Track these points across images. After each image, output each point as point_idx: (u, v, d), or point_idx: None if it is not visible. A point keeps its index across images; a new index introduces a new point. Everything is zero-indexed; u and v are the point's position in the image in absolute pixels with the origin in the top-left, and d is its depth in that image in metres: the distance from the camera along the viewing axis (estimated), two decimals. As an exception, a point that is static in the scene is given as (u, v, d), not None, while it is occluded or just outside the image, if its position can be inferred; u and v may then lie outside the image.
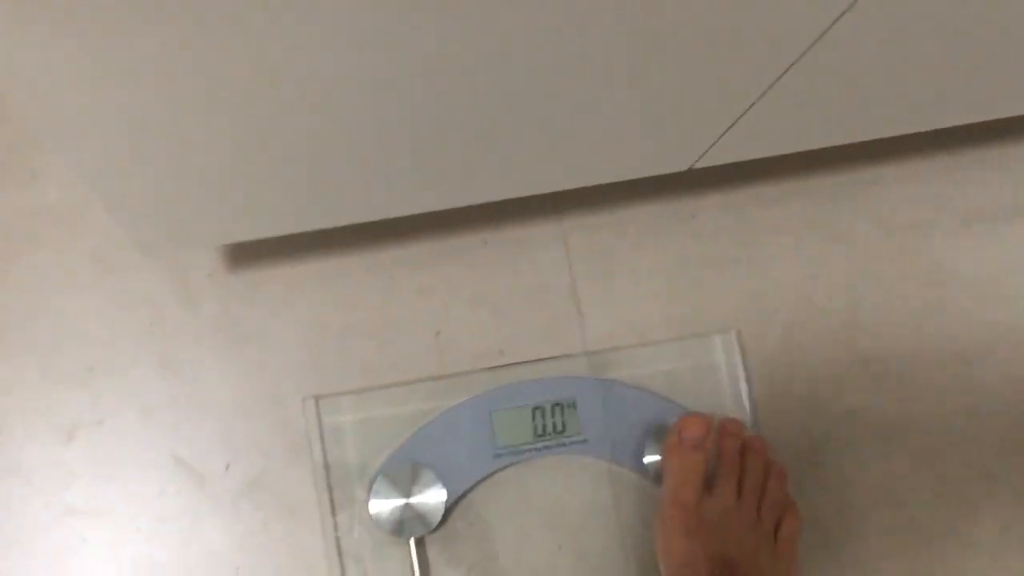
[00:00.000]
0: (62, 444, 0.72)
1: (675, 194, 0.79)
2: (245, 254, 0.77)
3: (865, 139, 0.66)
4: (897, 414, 0.77)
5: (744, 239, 0.78)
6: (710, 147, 0.60)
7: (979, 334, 0.78)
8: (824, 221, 0.79)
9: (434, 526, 0.71)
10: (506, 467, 0.74)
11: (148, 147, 0.49)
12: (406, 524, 0.71)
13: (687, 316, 0.77)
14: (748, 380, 0.76)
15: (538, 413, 0.73)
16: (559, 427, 0.73)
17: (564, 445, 0.73)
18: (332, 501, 0.72)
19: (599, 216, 0.78)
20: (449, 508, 0.72)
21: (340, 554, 0.72)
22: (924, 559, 0.76)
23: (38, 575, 0.71)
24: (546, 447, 0.73)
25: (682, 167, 0.64)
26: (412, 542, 0.71)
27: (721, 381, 0.76)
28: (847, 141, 0.65)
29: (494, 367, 0.75)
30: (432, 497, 0.71)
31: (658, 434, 0.73)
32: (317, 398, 0.73)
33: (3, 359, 0.73)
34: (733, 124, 0.57)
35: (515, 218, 0.77)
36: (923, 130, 0.66)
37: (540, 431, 0.73)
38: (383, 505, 0.71)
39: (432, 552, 0.73)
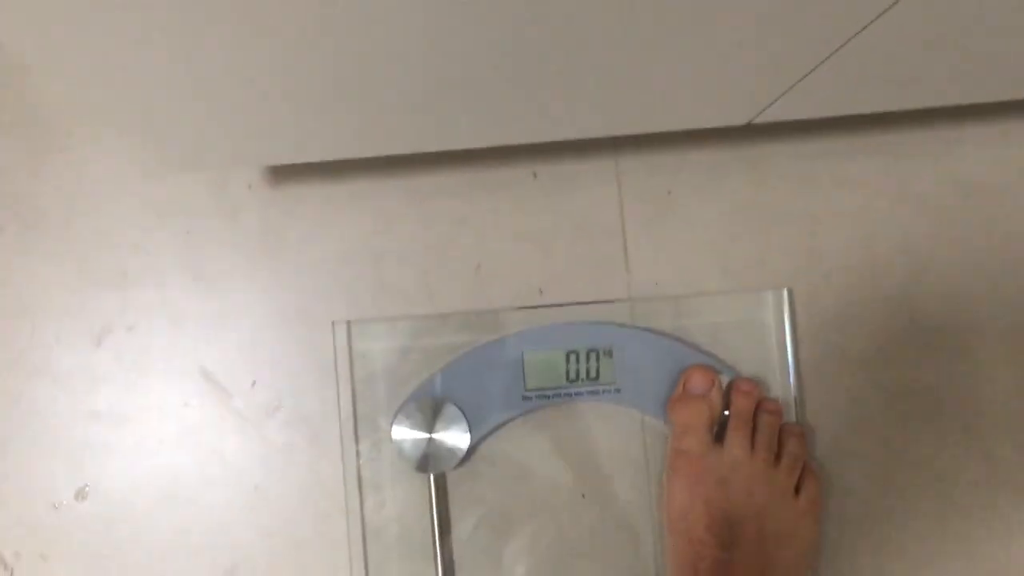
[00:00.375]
0: (91, 348, 0.72)
1: (740, 140, 0.74)
2: (286, 169, 0.74)
3: (942, 104, 0.61)
4: (950, 389, 0.73)
5: (808, 192, 0.74)
6: (771, 103, 0.56)
7: (1050, 313, 0.74)
8: (896, 179, 0.74)
9: (456, 464, 0.70)
10: (535, 410, 0.72)
11: (188, 71, 0.46)
12: (428, 459, 0.70)
13: (739, 268, 0.73)
14: (795, 340, 0.72)
15: (572, 358, 0.70)
16: (592, 374, 0.70)
17: (596, 393, 0.70)
18: (356, 428, 0.71)
19: (657, 156, 0.74)
20: (473, 447, 0.70)
21: (360, 481, 0.71)
22: (966, 543, 0.72)
23: (59, 475, 0.71)
24: (577, 393, 0.70)
25: (740, 121, 0.60)
26: (431, 477, 0.70)
27: (768, 339, 0.73)
28: (925, 105, 0.61)
29: (532, 307, 0.72)
30: (456, 434, 0.70)
31: (696, 389, 0.70)
32: (349, 323, 0.71)
33: (39, 257, 0.72)
34: (798, 82, 0.53)
35: (568, 152, 0.74)
36: (1006, 99, 0.61)
37: (572, 376, 0.70)
38: (406, 437, 0.69)
39: (452, 488, 0.72)
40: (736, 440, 0.68)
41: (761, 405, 0.70)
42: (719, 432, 0.69)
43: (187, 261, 0.72)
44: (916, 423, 0.73)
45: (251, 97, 0.50)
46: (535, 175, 0.74)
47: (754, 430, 0.69)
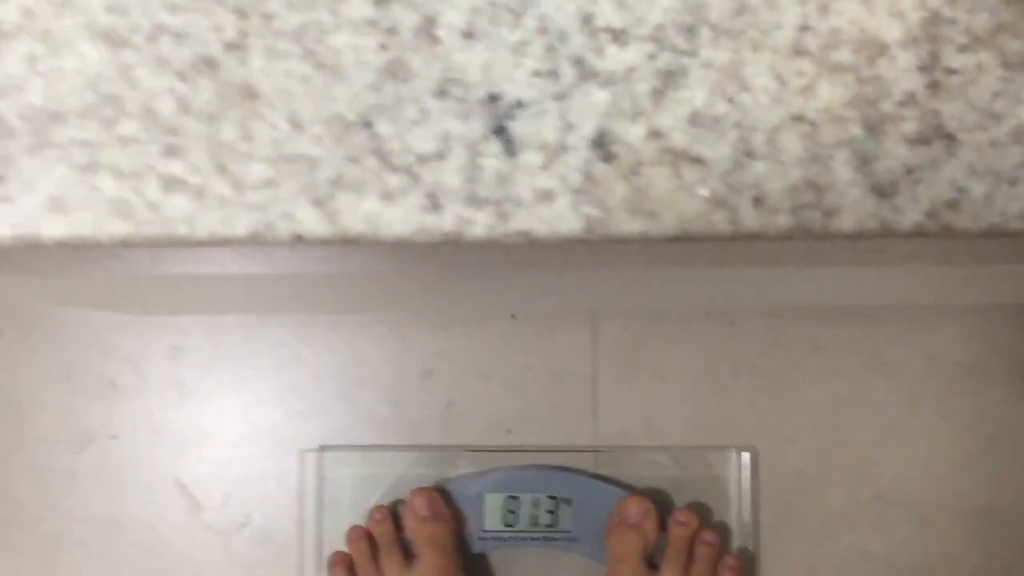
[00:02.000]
0: (75, 452, 0.75)
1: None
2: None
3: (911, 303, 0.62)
4: (910, 564, 0.73)
5: (780, 354, 0.75)
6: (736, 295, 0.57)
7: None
8: (867, 346, 0.75)
9: (409, 599, 0.72)
10: (490, 551, 0.73)
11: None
12: (383, 591, 0.72)
13: (706, 425, 0.75)
14: (756, 501, 0.73)
15: (531, 503, 0.72)
16: (550, 521, 0.72)
17: (553, 540, 0.72)
18: (320, 550, 0.73)
19: (634, 307, 0.76)
20: (428, 583, 0.72)
21: (318, 606, 0.73)
22: None
23: (30, 569, 0.75)
24: (533, 538, 0.72)
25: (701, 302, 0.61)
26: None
27: (729, 497, 0.73)
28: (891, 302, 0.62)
29: (498, 449, 0.74)
30: (412, 570, 0.72)
31: (652, 542, 0.71)
32: (320, 448, 0.74)
33: (31, 362, 0.76)
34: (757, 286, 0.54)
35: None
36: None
37: (530, 522, 0.72)
38: (364, 567, 0.72)
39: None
40: (670, 572, 0.68)
41: (699, 536, 0.70)
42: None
43: (171, 376, 0.76)
44: (872, 593, 0.73)
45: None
46: (513, 316, 0.76)
47: (691, 562, 0.69)
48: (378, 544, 0.70)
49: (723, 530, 0.73)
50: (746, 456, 0.73)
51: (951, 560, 0.73)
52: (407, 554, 0.70)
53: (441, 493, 0.71)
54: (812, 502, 0.74)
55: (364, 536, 0.70)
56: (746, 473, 0.73)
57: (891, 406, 0.74)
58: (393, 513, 0.71)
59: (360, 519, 0.72)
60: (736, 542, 0.73)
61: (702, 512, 0.72)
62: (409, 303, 0.74)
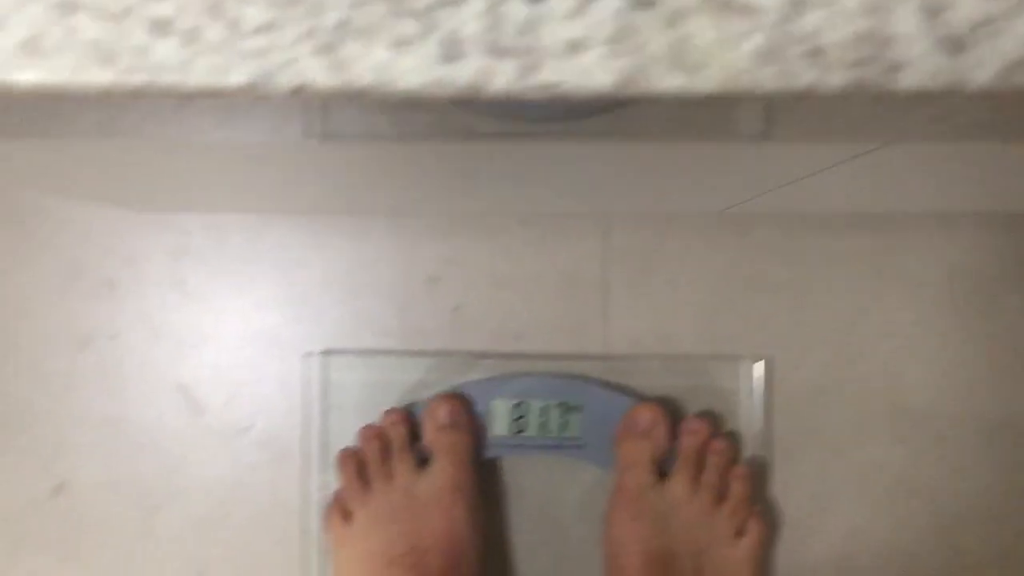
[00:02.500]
0: (75, 352, 0.74)
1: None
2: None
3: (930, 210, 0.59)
4: (922, 476, 0.72)
5: (797, 264, 0.73)
6: (743, 203, 0.55)
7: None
8: (888, 258, 0.73)
9: (414, 505, 0.71)
10: (496, 458, 0.72)
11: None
12: (387, 496, 0.71)
13: (719, 334, 0.73)
14: (768, 412, 0.72)
15: (539, 410, 0.70)
16: (558, 428, 0.70)
17: (561, 447, 0.71)
18: (322, 455, 0.72)
19: (647, 213, 0.73)
20: (432, 489, 0.71)
21: (320, 508, 0.72)
22: (917, 630, 0.72)
23: (36, 473, 0.74)
24: (541, 446, 0.71)
25: (713, 209, 0.59)
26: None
27: (741, 408, 0.72)
28: (912, 210, 0.59)
29: (505, 355, 0.73)
30: (417, 476, 0.71)
31: (662, 451, 0.70)
32: (324, 352, 0.72)
33: (29, 261, 0.74)
34: (773, 189, 0.52)
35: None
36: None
37: (538, 429, 0.70)
38: (369, 473, 0.71)
39: (411, 526, 0.73)
40: (680, 479, 0.67)
41: (710, 445, 0.69)
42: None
43: (172, 277, 0.74)
44: (883, 506, 0.72)
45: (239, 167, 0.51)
46: (521, 221, 0.73)
47: (701, 470, 0.68)
48: (390, 446, 0.69)
49: (735, 440, 0.71)
50: (759, 366, 0.72)
51: (966, 473, 0.72)
52: (419, 459, 0.69)
53: (462, 402, 0.70)
54: (826, 414, 0.72)
55: (378, 435, 0.69)
56: (759, 383, 0.72)
57: (908, 317, 0.72)
58: (407, 416, 0.70)
59: (365, 424, 0.71)
60: (747, 453, 0.72)
61: (713, 421, 0.71)
62: (416, 207, 0.71)
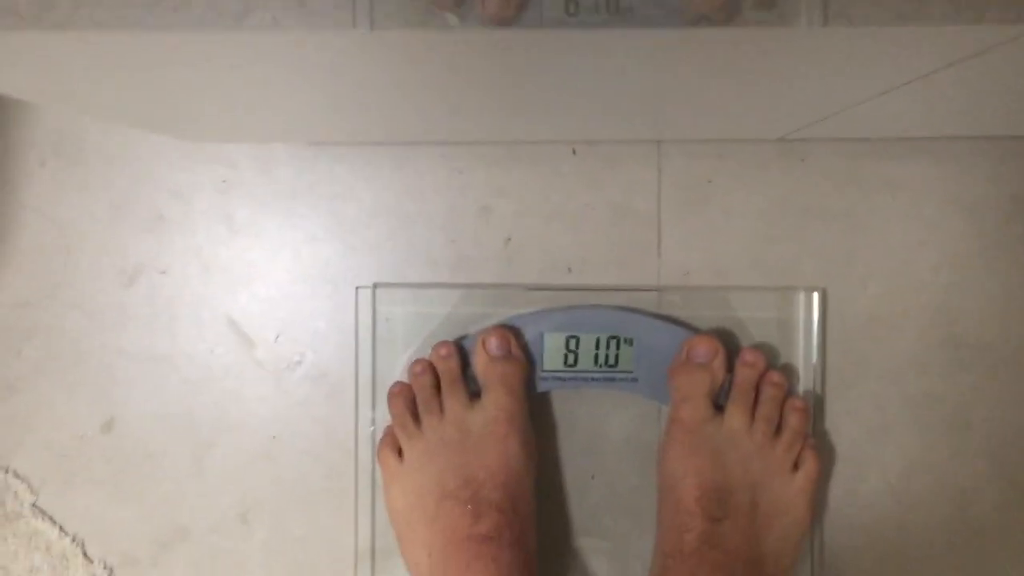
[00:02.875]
0: (124, 287, 0.73)
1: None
2: (326, 123, 0.74)
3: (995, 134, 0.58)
4: (980, 408, 0.71)
5: (854, 192, 0.72)
6: (804, 127, 0.53)
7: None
8: (949, 185, 0.71)
9: (468, 434, 0.70)
10: (549, 391, 0.72)
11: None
12: (441, 428, 0.70)
13: (773, 265, 0.72)
14: (824, 343, 0.71)
15: (591, 343, 0.70)
16: (611, 361, 0.70)
17: (613, 380, 0.70)
18: (373, 389, 0.72)
19: (701, 143, 0.72)
20: (486, 421, 0.71)
21: (373, 440, 0.72)
22: (976, 563, 0.71)
23: (86, 408, 0.74)
24: (594, 379, 0.70)
25: (771, 137, 0.58)
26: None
27: (796, 340, 0.71)
28: (980, 134, 0.58)
29: (557, 288, 0.72)
30: (470, 407, 0.70)
31: (716, 384, 0.69)
32: (375, 286, 0.71)
33: (77, 193, 0.73)
34: (837, 112, 0.51)
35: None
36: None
37: (590, 362, 0.70)
38: (421, 405, 0.70)
39: (463, 459, 0.72)
40: (735, 412, 0.67)
41: (765, 377, 0.68)
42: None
43: (221, 210, 0.73)
44: (940, 438, 0.72)
45: (290, 94, 0.50)
46: (574, 151, 0.72)
47: (757, 403, 0.68)
48: (441, 379, 0.69)
49: (790, 372, 0.71)
50: (815, 297, 0.71)
51: (1022, 406, 0.71)
52: (471, 393, 0.69)
53: (513, 333, 0.69)
54: (882, 345, 0.71)
55: (428, 369, 0.69)
56: (815, 314, 0.71)
57: (967, 248, 0.71)
58: (458, 349, 0.69)
59: (414, 358, 0.70)
60: (802, 385, 0.71)
61: (769, 353, 0.70)
62: (467, 137, 0.70)
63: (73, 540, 0.74)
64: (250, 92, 0.51)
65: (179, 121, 0.60)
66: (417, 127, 0.61)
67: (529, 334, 0.70)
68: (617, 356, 0.70)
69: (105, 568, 0.74)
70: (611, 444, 0.72)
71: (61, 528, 0.74)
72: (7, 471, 0.74)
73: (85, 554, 0.74)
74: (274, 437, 0.73)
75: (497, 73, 0.48)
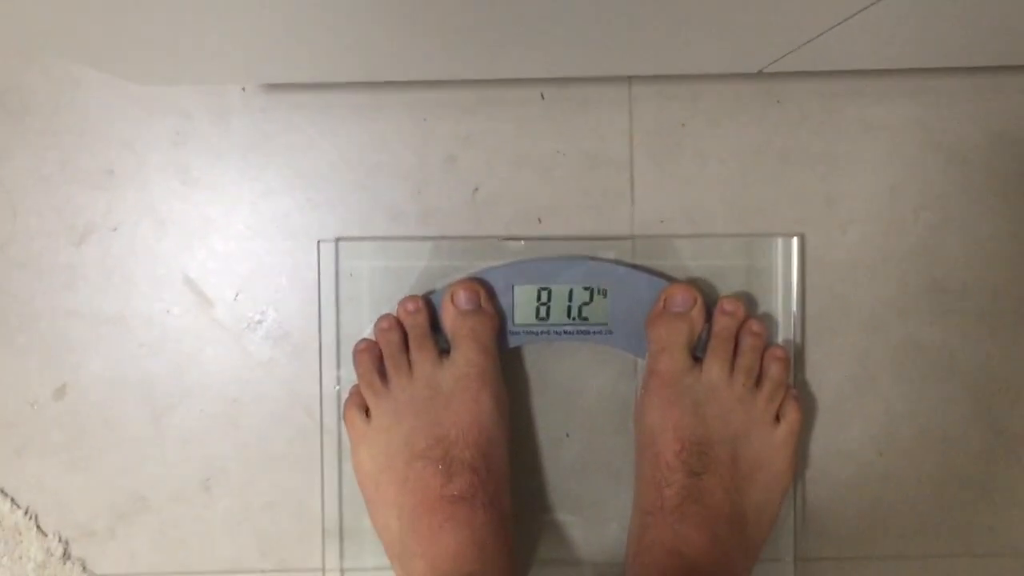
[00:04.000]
0: (74, 246, 0.70)
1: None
2: (283, 72, 0.71)
3: (975, 65, 0.56)
4: (963, 354, 0.70)
5: (831, 134, 0.69)
6: (783, 56, 0.51)
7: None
8: (925, 126, 0.69)
9: (437, 393, 0.68)
10: (521, 345, 0.69)
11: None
12: (409, 386, 0.68)
13: (750, 211, 0.69)
14: (803, 291, 0.69)
15: (564, 295, 0.67)
16: (585, 313, 0.67)
17: (587, 333, 0.68)
18: (338, 348, 0.69)
19: (674, 85, 0.69)
20: (456, 377, 0.68)
21: (338, 401, 0.69)
22: (961, 512, 0.70)
23: (37, 373, 0.70)
24: (567, 332, 0.68)
25: (751, 69, 0.55)
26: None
27: (774, 287, 0.69)
28: (957, 64, 0.56)
29: (527, 238, 0.69)
30: (439, 363, 0.67)
31: (693, 334, 0.67)
32: (337, 240, 0.69)
33: (23, 148, 0.70)
34: (814, 38, 0.48)
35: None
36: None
37: (563, 315, 0.67)
38: (388, 362, 0.67)
39: (433, 418, 0.70)
40: (715, 362, 0.65)
41: (745, 326, 0.66)
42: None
43: (175, 163, 0.70)
44: (923, 385, 0.70)
45: (242, 18, 0.47)
46: (543, 96, 0.70)
47: (736, 353, 0.66)
48: (409, 336, 0.66)
49: (769, 321, 0.69)
50: (794, 243, 0.68)
51: (1008, 352, 0.70)
52: (440, 349, 0.66)
53: (482, 286, 0.67)
54: (863, 291, 0.69)
55: (395, 326, 0.66)
56: (794, 261, 0.69)
57: (950, 190, 0.69)
58: (427, 303, 0.67)
59: (379, 314, 0.67)
60: (782, 333, 0.69)
61: (747, 302, 0.68)
62: (431, 75, 0.67)
63: (26, 513, 0.71)
64: (201, 19, 0.47)
65: (126, 57, 0.57)
66: (380, 63, 0.58)
67: (499, 287, 0.67)
68: (592, 308, 0.67)
69: (60, 541, 0.71)
70: (586, 400, 0.70)
71: (13, 501, 0.71)
72: (-46, 442, 0.71)
73: (39, 527, 0.71)
74: (235, 400, 0.70)
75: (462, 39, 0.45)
